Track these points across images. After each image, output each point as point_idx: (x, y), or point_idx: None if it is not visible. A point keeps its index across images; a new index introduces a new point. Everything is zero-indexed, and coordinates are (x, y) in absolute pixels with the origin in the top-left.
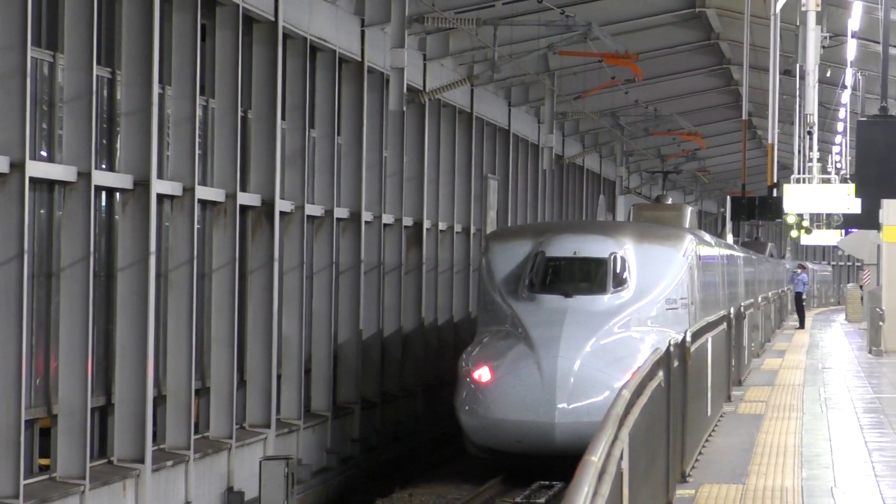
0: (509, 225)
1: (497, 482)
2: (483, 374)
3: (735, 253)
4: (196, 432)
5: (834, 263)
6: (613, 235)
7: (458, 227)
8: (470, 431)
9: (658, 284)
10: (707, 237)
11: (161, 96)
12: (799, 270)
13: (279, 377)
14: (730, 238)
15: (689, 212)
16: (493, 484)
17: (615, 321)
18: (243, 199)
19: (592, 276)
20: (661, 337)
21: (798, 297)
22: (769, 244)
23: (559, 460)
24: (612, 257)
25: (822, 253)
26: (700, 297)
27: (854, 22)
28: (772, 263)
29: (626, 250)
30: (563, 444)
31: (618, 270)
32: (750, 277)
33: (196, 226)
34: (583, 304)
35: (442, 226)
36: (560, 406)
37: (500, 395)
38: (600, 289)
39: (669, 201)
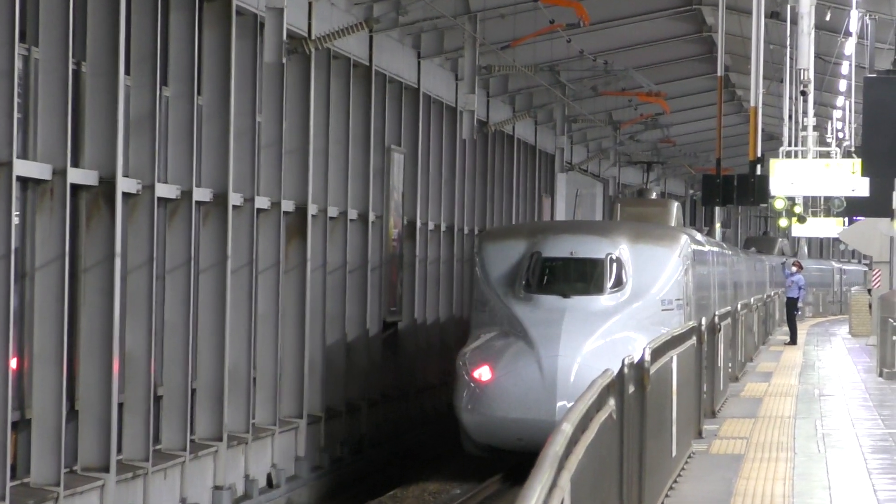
0: (437, 215)
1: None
2: (483, 373)
3: (727, 252)
4: (13, 477)
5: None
6: (609, 236)
7: (352, 214)
8: (471, 430)
9: (654, 285)
10: (699, 236)
11: None
12: (793, 269)
13: (121, 406)
14: (718, 231)
15: (675, 208)
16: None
17: (612, 321)
18: (75, 176)
19: (589, 277)
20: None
21: (790, 305)
22: (779, 240)
23: None
24: (608, 258)
25: (820, 248)
26: (695, 297)
27: None
28: (766, 262)
29: (622, 251)
30: None
31: (614, 271)
32: (746, 278)
33: (14, 212)
34: (580, 305)
35: (332, 211)
36: (560, 404)
37: (502, 394)
38: (597, 289)
39: (653, 195)
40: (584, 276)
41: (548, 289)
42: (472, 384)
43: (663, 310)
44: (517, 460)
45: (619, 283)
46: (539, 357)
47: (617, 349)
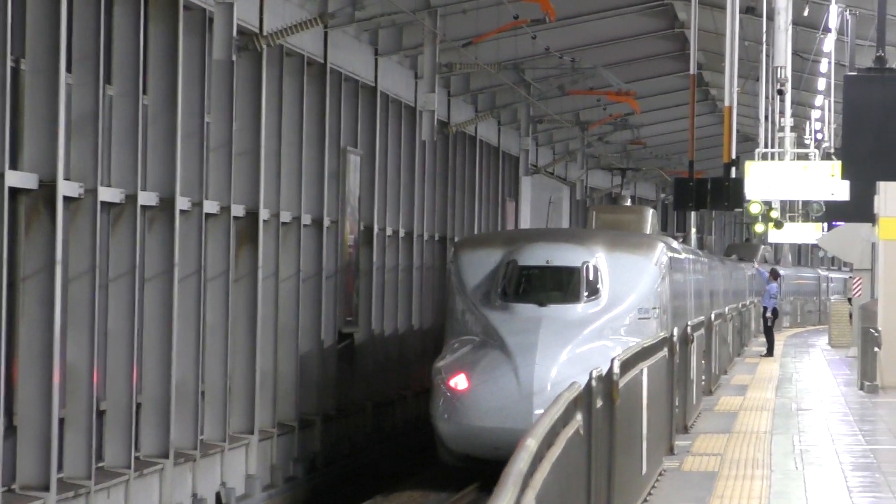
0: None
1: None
2: (460, 381)
3: (703, 259)
4: None
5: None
6: (585, 244)
7: (306, 219)
8: (447, 439)
9: (630, 294)
10: (675, 244)
11: None
12: (768, 277)
13: (62, 421)
14: (693, 237)
15: (650, 214)
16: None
17: (589, 330)
18: (14, 179)
19: (565, 286)
20: None
21: (765, 315)
22: (762, 247)
23: None
24: (585, 266)
25: (798, 254)
26: (672, 306)
27: None
28: (745, 270)
29: (598, 259)
30: None
31: (590, 280)
32: (724, 287)
33: None
34: (557, 313)
35: (285, 216)
36: (537, 412)
37: (478, 403)
38: (573, 298)
39: (628, 202)
40: (561, 285)
41: (524, 297)
42: (449, 393)
43: (640, 319)
44: (494, 470)
45: (595, 292)
46: (516, 366)
47: (593, 358)
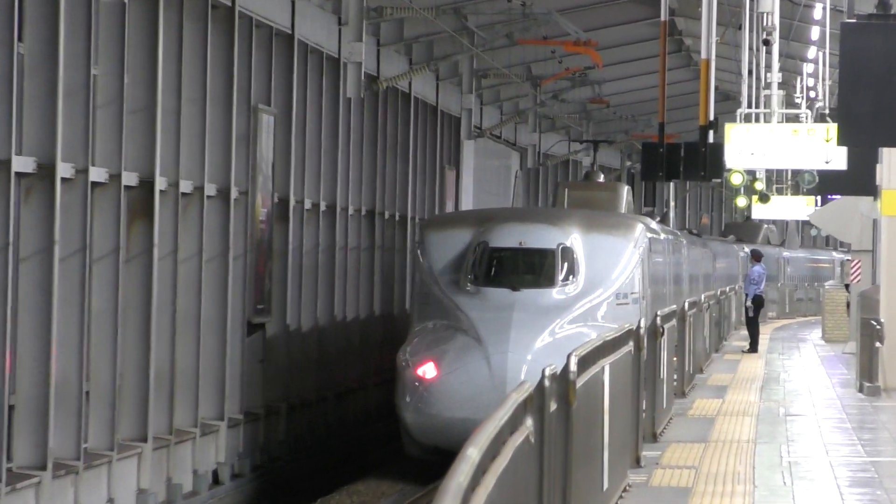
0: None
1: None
2: (428, 370)
3: (683, 240)
4: None
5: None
6: (560, 224)
7: (210, 189)
8: (415, 431)
9: (608, 278)
10: (654, 224)
11: None
12: (752, 261)
13: None
14: (672, 217)
15: (624, 191)
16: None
17: (564, 316)
18: None
19: (539, 269)
20: None
21: (754, 304)
22: (764, 227)
23: None
24: (560, 248)
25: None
26: (651, 291)
27: None
28: (737, 252)
29: (574, 240)
30: None
31: (566, 262)
32: (710, 270)
33: None
34: (530, 298)
35: (185, 186)
36: None
37: (448, 393)
38: (548, 282)
39: (601, 178)
40: (534, 268)
41: (496, 281)
42: (416, 382)
43: (618, 304)
44: None
45: (570, 276)
46: (487, 354)
47: (570, 345)
